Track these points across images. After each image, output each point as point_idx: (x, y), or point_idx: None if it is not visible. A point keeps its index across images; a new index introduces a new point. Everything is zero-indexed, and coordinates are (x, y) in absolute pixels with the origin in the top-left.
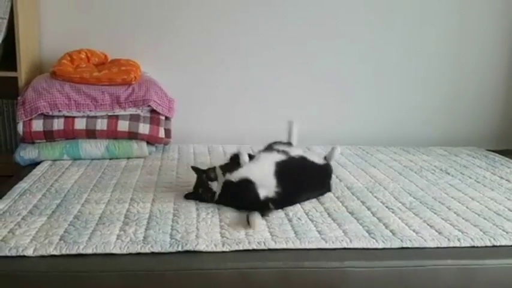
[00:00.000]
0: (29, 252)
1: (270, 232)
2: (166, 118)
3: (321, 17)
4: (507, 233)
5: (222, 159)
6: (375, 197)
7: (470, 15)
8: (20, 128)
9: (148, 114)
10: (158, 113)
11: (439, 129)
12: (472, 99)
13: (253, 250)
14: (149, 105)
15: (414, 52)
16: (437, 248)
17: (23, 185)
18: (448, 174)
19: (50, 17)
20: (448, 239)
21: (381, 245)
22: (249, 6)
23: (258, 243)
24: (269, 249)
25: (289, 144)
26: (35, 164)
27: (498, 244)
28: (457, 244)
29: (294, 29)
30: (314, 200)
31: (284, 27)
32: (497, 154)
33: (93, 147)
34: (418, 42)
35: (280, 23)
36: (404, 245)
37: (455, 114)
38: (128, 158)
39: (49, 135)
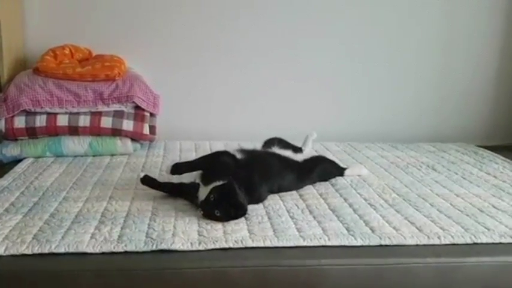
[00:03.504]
0: (0, 251)
1: (249, 230)
2: (151, 114)
3: (311, 16)
4: (489, 230)
5: None
6: (359, 193)
7: (459, 12)
8: (2, 124)
9: (132, 111)
10: (143, 109)
11: (429, 126)
12: (461, 94)
13: (230, 248)
14: (133, 102)
15: (403, 48)
16: (417, 245)
17: (2, 182)
18: (435, 170)
19: (33, 12)
20: (428, 237)
21: (359, 243)
22: (239, 2)
23: (235, 241)
24: (246, 248)
25: (297, 148)
26: (17, 162)
27: (479, 242)
28: (437, 242)
29: (283, 26)
30: (297, 196)
31: (273, 24)
32: (486, 150)
33: (76, 144)
34: (406, 38)
35: (269, 20)
36: (383, 243)
37: (445, 110)
38: (112, 155)
39: (31, 132)
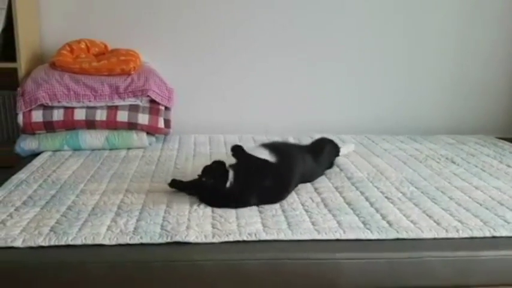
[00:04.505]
0: (18, 243)
1: (263, 223)
2: (166, 108)
3: (327, 10)
4: (508, 223)
5: (222, 149)
6: (375, 187)
7: (475, 3)
8: (20, 119)
9: (147, 105)
10: (157, 103)
11: (447, 117)
12: (480, 85)
13: (244, 241)
14: (148, 95)
15: (420, 39)
16: (434, 239)
17: (20, 175)
18: (454, 163)
19: (50, 7)
20: (446, 230)
21: (375, 236)
22: None
23: (249, 234)
24: (260, 241)
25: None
26: (35, 155)
27: (498, 235)
28: (455, 235)
29: (299, 19)
30: (311, 190)
31: (289, 17)
32: (506, 142)
33: (93, 138)
34: (424, 30)
35: (285, 13)
36: (400, 236)
37: (463, 101)
38: (128, 149)
39: (49, 126)
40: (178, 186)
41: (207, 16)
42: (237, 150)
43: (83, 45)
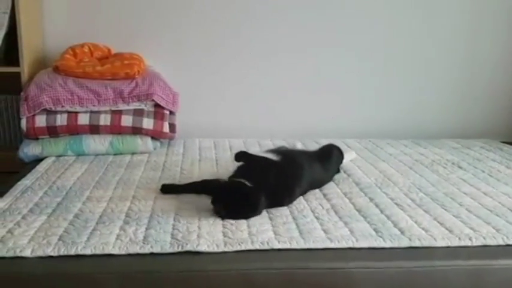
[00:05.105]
0: (27, 253)
1: (274, 231)
2: (171, 112)
3: (331, 8)
4: None
5: (227, 154)
6: (384, 193)
7: (483, 3)
8: (23, 123)
9: (152, 109)
10: (162, 108)
11: (452, 121)
12: (485, 89)
13: (256, 250)
14: (153, 100)
15: (425, 42)
16: (448, 247)
17: (25, 182)
18: (461, 168)
19: (53, 11)
20: (459, 238)
21: (388, 244)
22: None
23: (261, 243)
24: (272, 250)
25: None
26: (39, 160)
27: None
28: (468, 243)
29: (300, 22)
30: (320, 196)
31: (291, 21)
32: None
33: (97, 143)
34: (429, 32)
35: (288, 16)
36: (413, 244)
37: (468, 105)
38: (133, 154)
39: (52, 131)
40: (171, 190)
41: (212, 20)
42: (241, 155)
43: (86, 49)
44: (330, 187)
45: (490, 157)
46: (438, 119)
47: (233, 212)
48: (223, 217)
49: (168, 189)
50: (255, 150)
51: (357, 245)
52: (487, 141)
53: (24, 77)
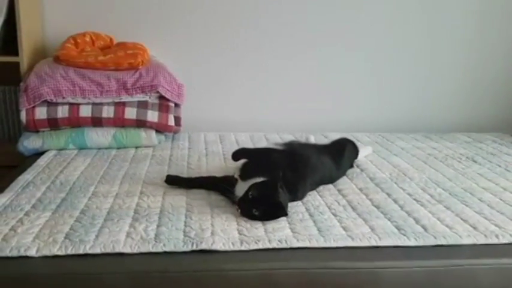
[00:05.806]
0: (32, 252)
1: (291, 229)
2: (176, 105)
3: (342, 5)
4: None
5: (235, 148)
6: (401, 188)
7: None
8: (23, 116)
9: (156, 101)
10: (167, 100)
11: (462, 115)
12: (496, 82)
13: (274, 249)
14: (157, 91)
15: (435, 36)
16: (474, 245)
17: (26, 176)
18: (476, 162)
19: None
20: (485, 235)
21: (413, 243)
22: None
23: (279, 241)
24: (291, 248)
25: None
26: (39, 154)
27: None
28: (495, 241)
29: (309, 16)
30: (335, 192)
31: (299, 14)
32: None
33: (99, 136)
34: (440, 27)
35: (295, 10)
36: (439, 243)
37: (478, 99)
38: (136, 147)
39: (53, 123)
40: (175, 182)
41: (218, 9)
42: (239, 154)
43: (87, 38)
44: (344, 182)
45: (504, 151)
46: (448, 113)
47: (265, 212)
48: (259, 218)
49: (172, 180)
50: (262, 144)
51: (380, 244)
52: (498, 135)
53: (24, 67)
